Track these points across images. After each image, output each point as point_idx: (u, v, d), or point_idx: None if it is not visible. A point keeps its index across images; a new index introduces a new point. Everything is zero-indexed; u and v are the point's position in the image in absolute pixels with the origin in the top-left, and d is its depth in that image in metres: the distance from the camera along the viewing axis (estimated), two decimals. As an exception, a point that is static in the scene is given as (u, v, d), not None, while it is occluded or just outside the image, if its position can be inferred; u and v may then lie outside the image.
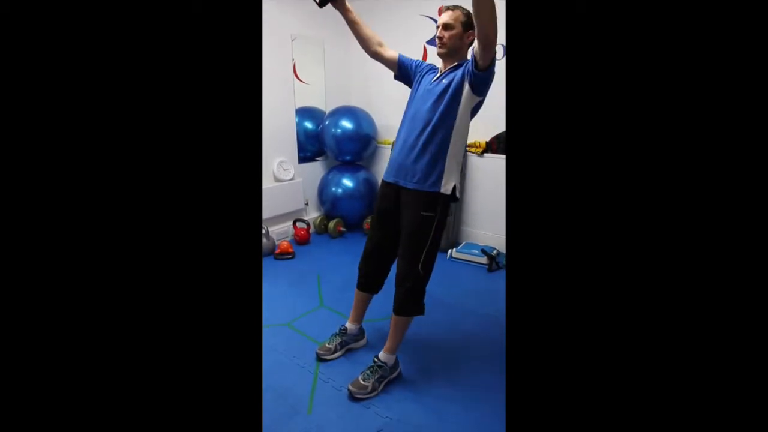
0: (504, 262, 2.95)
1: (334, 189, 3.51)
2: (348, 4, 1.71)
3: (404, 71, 1.77)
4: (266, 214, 3.18)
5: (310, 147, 3.67)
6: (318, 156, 3.82)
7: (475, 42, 1.39)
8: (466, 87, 1.52)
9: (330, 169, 3.66)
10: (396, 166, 1.66)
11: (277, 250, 3.08)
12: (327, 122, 3.50)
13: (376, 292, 1.90)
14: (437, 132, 1.56)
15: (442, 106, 1.55)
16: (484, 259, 2.95)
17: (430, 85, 1.62)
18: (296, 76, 3.45)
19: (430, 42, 3.32)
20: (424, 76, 1.69)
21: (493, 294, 2.55)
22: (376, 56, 1.79)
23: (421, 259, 1.61)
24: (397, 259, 1.70)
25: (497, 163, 3.06)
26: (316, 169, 3.75)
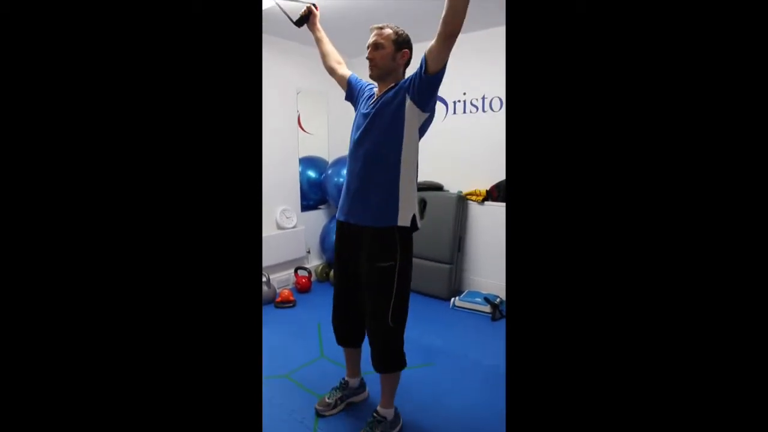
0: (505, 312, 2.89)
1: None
2: (318, 24, 1.78)
3: (351, 92, 1.71)
4: (268, 261, 3.18)
5: (312, 195, 3.72)
6: (320, 204, 3.86)
7: (432, 41, 1.28)
8: (408, 103, 1.39)
9: (332, 218, 3.68)
10: (347, 202, 1.54)
11: (278, 299, 3.05)
12: (330, 171, 3.57)
13: (359, 346, 1.80)
14: (383, 160, 1.44)
15: (383, 132, 1.44)
16: (487, 308, 2.90)
17: (367, 110, 1.51)
18: (300, 127, 3.56)
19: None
20: (364, 99, 1.59)
21: (497, 344, 2.49)
22: (331, 72, 1.79)
23: (390, 313, 1.49)
24: (366, 315, 1.58)
25: (498, 210, 3.08)
26: (318, 218, 3.78)
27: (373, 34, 1.50)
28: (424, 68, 1.33)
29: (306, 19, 1.77)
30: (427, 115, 1.44)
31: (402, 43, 1.49)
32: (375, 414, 1.66)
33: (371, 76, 1.54)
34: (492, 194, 3.11)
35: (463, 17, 1.20)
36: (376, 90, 1.57)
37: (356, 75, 1.76)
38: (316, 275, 3.61)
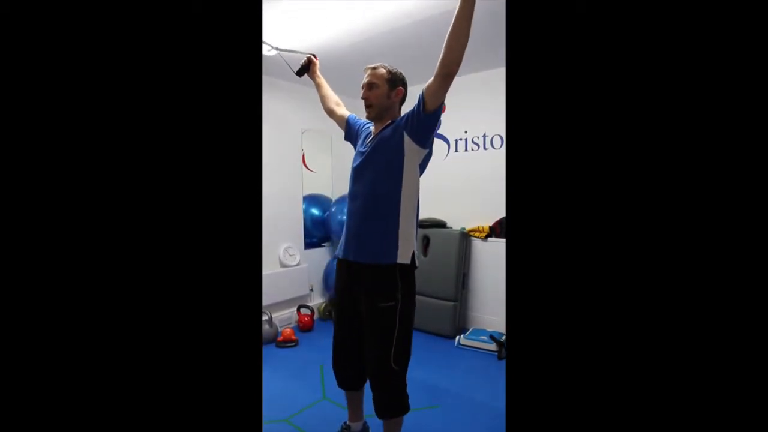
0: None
1: (339, 274, 3.49)
2: (318, 72, 1.89)
3: (350, 132, 1.73)
4: (270, 299, 3.15)
5: (316, 233, 3.73)
6: (324, 242, 3.86)
7: (430, 80, 1.29)
8: (407, 140, 1.39)
9: (335, 256, 3.67)
10: (346, 239, 1.53)
11: (280, 338, 2.99)
12: (333, 209, 3.59)
13: (360, 389, 1.72)
14: (382, 197, 1.43)
15: (381, 170, 1.44)
16: (493, 346, 2.84)
17: (364, 148, 1.52)
18: (305, 165, 3.61)
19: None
20: (362, 138, 1.60)
21: (504, 384, 2.41)
22: (330, 114, 1.85)
23: (392, 355, 1.44)
24: (366, 359, 1.52)
25: (502, 247, 3.07)
26: (321, 255, 3.77)
27: (367, 74, 1.52)
28: (422, 106, 1.34)
29: (306, 68, 1.89)
30: (426, 151, 1.44)
31: (396, 81, 1.51)
32: (379, 460, 1.58)
33: (368, 116, 1.55)
34: (495, 230, 3.11)
35: (461, 58, 1.23)
36: (372, 128, 1.57)
37: (354, 115, 1.78)
38: (319, 313, 3.56)
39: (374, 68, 1.51)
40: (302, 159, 3.56)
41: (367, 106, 1.52)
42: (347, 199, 1.58)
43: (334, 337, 1.67)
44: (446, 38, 1.22)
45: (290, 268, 3.36)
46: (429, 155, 1.47)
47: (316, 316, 3.51)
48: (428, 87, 1.31)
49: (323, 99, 1.88)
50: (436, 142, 3.45)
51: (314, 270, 3.63)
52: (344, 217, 3.42)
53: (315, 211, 3.70)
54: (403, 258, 1.43)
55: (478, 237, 3.19)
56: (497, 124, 3.08)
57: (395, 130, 1.44)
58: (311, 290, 3.60)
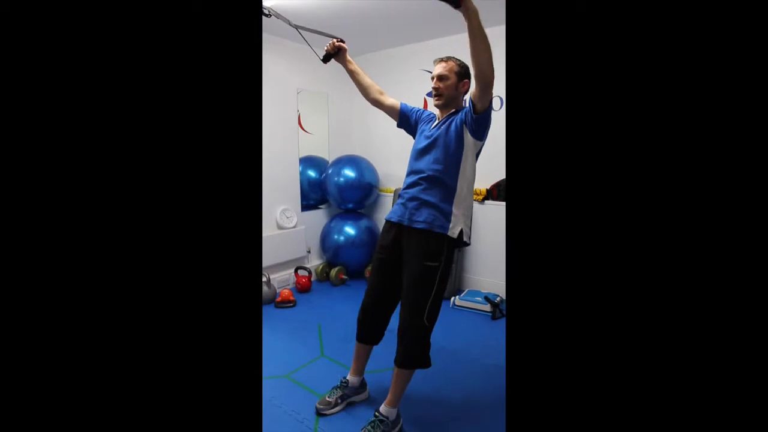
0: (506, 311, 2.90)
1: (336, 237, 3.52)
2: (348, 56, 1.80)
3: (405, 119, 1.82)
4: (268, 261, 3.18)
5: (313, 195, 3.72)
6: (321, 204, 3.86)
7: (472, 86, 1.44)
8: (467, 133, 1.55)
9: (332, 217, 3.69)
10: (402, 207, 1.66)
11: (278, 299, 3.05)
12: (330, 171, 3.57)
13: (377, 343, 1.84)
14: (443, 178, 1.58)
15: (444, 153, 1.57)
16: (487, 307, 2.91)
17: (430, 132, 1.65)
18: (301, 127, 3.56)
19: (430, 94, 3.43)
20: (424, 123, 1.73)
21: (497, 343, 2.49)
22: (377, 104, 1.85)
23: (426, 310, 1.58)
24: (399, 309, 1.66)
25: (498, 209, 3.08)
26: (318, 217, 3.78)
27: (438, 66, 1.64)
28: (473, 110, 1.50)
29: (333, 55, 1.78)
30: (482, 143, 1.61)
31: (463, 75, 1.64)
32: (377, 413, 1.66)
33: (436, 104, 1.68)
34: (492, 193, 3.11)
35: (491, 68, 1.37)
36: (437, 114, 1.71)
37: (406, 103, 1.84)
38: (317, 275, 3.61)
39: (446, 61, 1.64)
40: (298, 120, 3.50)
41: (437, 96, 1.64)
42: (407, 174, 1.71)
43: (368, 292, 1.78)
44: (471, 56, 1.37)
45: (287, 230, 3.37)
46: (483, 145, 1.64)
47: (313, 278, 3.56)
48: (473, 94, 1.48)
49: (364, 89, 1.86)
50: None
51: (311, 232, 3.65)
52: (341, 179, 3.44)
53: (312, 173, 3.68)
54: (452, 232, 1.57)
55: (475, 200, 3.19)
56: (497, 85, 3.02)
57: (459, 121, 1.58)
58: (308, 252, 3.63)
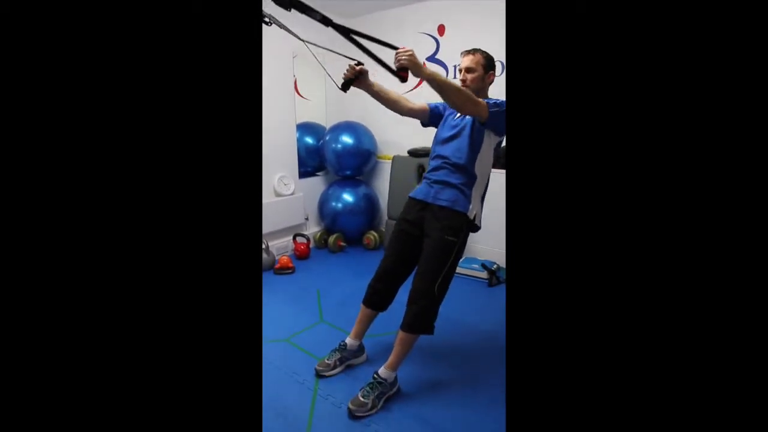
0: (504, 277, 2.94)
1: (334, 204, 3.52)
2: (370, 79, 1.72)
3: (435, 117, 1.87)
4: (266, 228, 3.19)
5: (310, 162, 3.70)
6: (318, 171, 3.84)
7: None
8: (487, 131, 1.65)
9: (330, 184, 3.67)
10: (427, 186, 1.76)
11: (277, 265, 3.08)
12: (328, 137, 3.53)
13: (384, 310, 1.90)
14: (464, 165, 1.67)
15: (467, 143, 1.67)
16: (484, 274, 2.94)
17: (454, 121, 1.75)
18: (297, 93, 3.49)
19: (430, 59, 3.36)
20: (450, 111, 1.81)
21: (493, 309, 2.54)
22: (411, 113, 1.87)
23: (438, 281, 1.66)
24: (414, 277, 1.73)
25: (497, 178, 3.07)
26: (316, 184, 3.76)
27: (466, 58, 1.72)
28: (478, 121, 1.63)
29: (353, 80, 1.65)
30: (500, 139, 1.72)
31: (489, 66, 1.73)
32: (375, 375, 1.71)
33: None
34: (491, 161, 3.09)
35: (469, 107, 1.53)
36: None
37: (434, 102, 1.85)
38: (315, 242, 3.63)
39: (473, 53, 1.71)
40: (294, 85, 3.43)
41: (464, 87, 1.67)
42: (432, 157, 1.81)
43: (386, 259, 1.85)
44: (450, 105, 1.57)
45: (285, 197, 3.37)
46: (502, 141, 1.74)
47: (311, 245, 3.58)
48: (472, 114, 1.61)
49: (393, 104, 1.82)
50: (435, 68, 3.34)
51: (309, 199, 3.64)
52: (339, 146, 3.41)
53: (309, 140, 3.64)
54: (470, 214, 1.69)
55: (473, 167, 3.18)
56: (497, 49, 2.95)
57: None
58: (306, 219, 3.64)
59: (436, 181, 1.73)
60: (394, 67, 1.48)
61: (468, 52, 1.73)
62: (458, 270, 3.02)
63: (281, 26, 1.48)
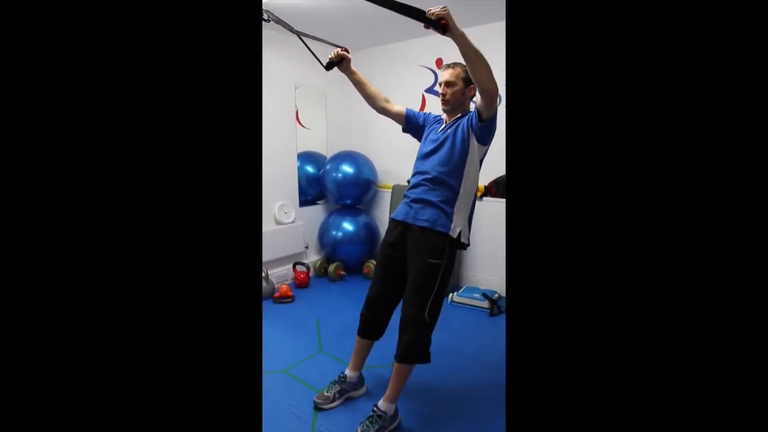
0: (505, 307, 2.91)
1: (334, 232, 3.52)
2: (353, 66, 1.79)
3: (412, 124, 1.85)
4: (266, 256, 3.18)
5: (311, 191, 3.72)
6: (319, 200, 3.86)
7: (478, 97, 1.49)
8: (473, 139, 1.59)
9: (330, 213, 3.68)
10: (407, 206, 1.71)
11: (277, 294, 3.05)
12: (328, 167, 3.56)
13: (378, 339, 1.86)
14: (447, 180, 1.62)
15: (449, 156, 1.61)
16: (485, 303, 2.91)
17: (436, 135, 1.69)
18: (299, 122, 3.55)
19: (429, 90, 3.43)
20: (431, 126, 1.77)
21: (495, 339, 2.50)
22: (384, 112, 1.87)
23: (428, 307, 1.60)
24: (402, 305, 1.68)
25: (497, 206, 3.09)
26: (316, 213, 3.77)
27: (446, 72, 1.67)
28: (478, 118, 1.54)
29: (337, 63, 1.75)
30: (486, 148, 1.64)
31: (470, 80, 1.63)
32: (375, 408, 1.66)
33: (444, 110, 1.72)
34: (491, 190, 3.11)
35: (494, 84, 1.42)
36: (444, 118, 1.75)
37: (412, 109, 1.87)
38: (315, 270, 3.61)
39: (453, 67, 1.67)
40: (296, 115, 3.49)
41: (444, 102, 1.68)
42: (413, 175, 1.75)
43: (373, 286, 1.80)
44: (470, 74, 1.44)
45: (285, 226, 3.37)
46: (487, 150, 1.67)
47: (311, 273, 3.56)
48: (479, 105, 1.52)
49: (371, 98, 1.86)
50: (433, 99, 3.40)
51: (309, 227, 3.64)
52: (339, 175, 3.43)
53: (309, 169, 3.67)
54: (453, 233, 1.61)
55: (473, 196, 3.19)
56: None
57: (465, 125, 1.61)
58: (306, 248, 3.63)
59: (415, 200, 1.68)
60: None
61: (448, 66, 1.69)
62: (459, 299, 3.01)
63: (278, 21, 1.61)
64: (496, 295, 2.97)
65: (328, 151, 3.84)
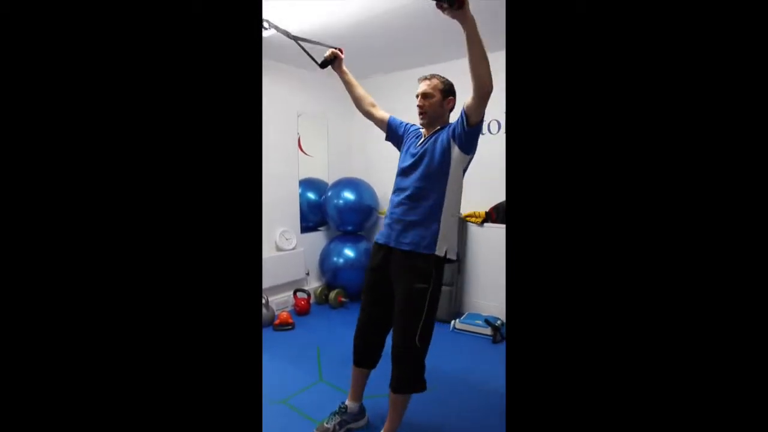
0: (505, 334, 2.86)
1: (335, 259, 3.51)
2: (345, 67, 1.83)
3: (393, 133, 1.81)
4: (267, 283, 3.16)
5: (312, 217, 3.72)
6: (320, 226, 3.86)
7: (468, 98, 1.42)
8: (455, 149, 1.53)
9: (332, 240, 3.68)
10: (389, 228, 1.65)
11: (277, 321, 3.02)
12: (329, 193, 3.58)
13: (374, 367, 1.82)
14: (428, 195, 1.55)
15: (430, 171, 1.55)
16: (488, 330, 2.88)
17: (415, 149, 1.63)
18: (301, 149, 3.59)
19: (429, 118, 3.46)
20: (410, 140, 1.71)
21: (498, 367, 2.45)
22: (368, 115, 1.86)
23: (418, 332, 1.55)
24: (392, 332, 1.62)
25: (497, 232, 3.09)
26: (317, 239, 3.77)
27: (423, 84, 1.62)
28: (465, 122, 1.47)
29: (331, 62, 1.80)
30: (469, 157, 1.57)
31: (448, 92, 1.63)
32: (375, 441, 1.62)
33: (421, 123, 1.66)
34: (491, 216, 3.12)
35: (490, 80, 1.35)
36: (423, 131, 1.68)
37: (394, 116, 1.83)
38: (315, 297, 3.58)
39: (429, 79, 1.63)
40: (298, 143, 3.53)
41: (422, 114, 1.63)
42: (393, 192, 1.69)
43: (362, 315, 1.76)
44: (469, 66, 1.34)
45: (286, 252, 3.36)
46: (471, 160, 1.60)
47: (312, 300, 3.53)
48: (469, 106, 1.44)
49: (358, 100, 1.86)
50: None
51: (310, 254, 3.64)
52: (341, 202, 3.45)
53: (311, 195, 3.69)
54: (439, 251, 1.55)
55: (474, 222, 3.20)
56: (495, 110, 3.06)
57: (445, 137, 1.56)
58: (307, 274, 3.61)
59: (396, 221, 1.61)
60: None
61: (425, 78, 1.63)
62: (461, 326, 2.97)
63: (277, 29, 1.70)
64: (499, 322, 2.93)
65: (329, 178, 3.87)
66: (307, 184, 3.68)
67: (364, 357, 1.79)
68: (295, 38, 1.77)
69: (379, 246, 1.69)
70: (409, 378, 1.59)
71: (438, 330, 2.94)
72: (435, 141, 1.58)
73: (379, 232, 1.71)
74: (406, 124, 1.80)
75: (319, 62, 1.81)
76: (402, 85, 3.59)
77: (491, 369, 2.44)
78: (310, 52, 1.83)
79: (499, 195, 3.07)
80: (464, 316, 3.09)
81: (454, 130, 1.53)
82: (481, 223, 3.17)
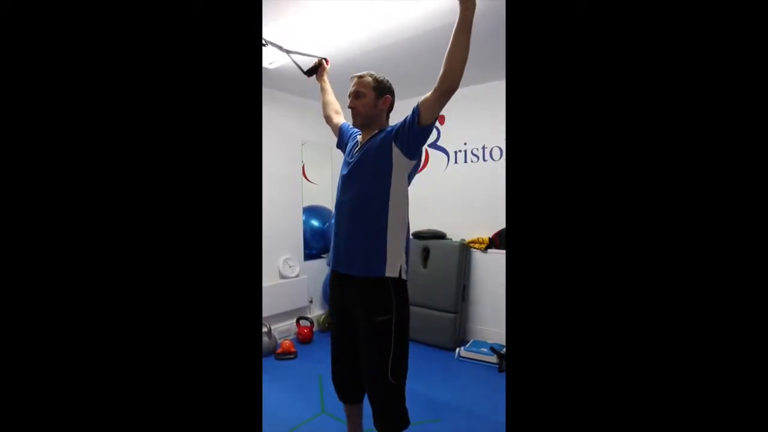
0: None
1: (338, 286, 3.48)
2: (326, 76, 1.88)
3: (341, 140, 1.71)
4: (270, 311, 3.14)
5: (315, 244, 3.72)
6: (323, 253, 3.85)
7: (428, 92, 1.28)
8: (395, 151, 1.36)
9: (327, 264, 3.66)
10: (335, 251, 1.51)
11: (279, 350, 2.97)
12: (333, 220, 3.59)
13: (361, 402, 1.65)
14: (369, 208, 1.40)
15: (368, 180, 1.41)
16: (494, 358, 2.82)
17: (351, 158, 1.49)
18: (305, 177, 3.62)
19: (432, 145, 3.50)
20: (349, 146, 1.57)
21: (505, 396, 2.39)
22: (327, 120, 1.82)
23: (389, 368, 1.39)
24: (363, 370, 1.47)
25: (502, 258, 3.07)
26: (321, 267, 3.76)
27: (354, 83, 1.49)
28: (416, 119, 1.31)
29: (316, 70, 1.90)
30: (414, 162, 1.42)
31: (383, 90, 1.48)
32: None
33: (354, 124, 1.54)
34: (495, 242, 3.11)
35: (461, 74, 1.22)
36: (359, 137, 1.54)
37: (348, 123, 1.72)
38: (319, 325, 3.54)
39: (361, 77, 1.49)
40: (302, 170, 3.57)
41: (354, 115, 1.50)
42: (335, 205, 1.54)
43: (332, 350, 1.64)
44: (446, 53, 1.21)
45: (289, 280, 3.35)
46: (417, 166, 1.45)
47: (315, 328, 3.49)
48: (425, 100, 1.29)
49: (325, 104, 1.85)
50: (436, 153, 3.48)
51: (313, 281, 3.62)
52: (344, 229, 3.43)
53: (315, 223, 3.70)
54: (391, 271, 1.39)
55: (477, 248, 3.18)
56: (496, 136, 3.10)
57: (383, 140, 1.41)
58: (311, 302, 3.58)
59: (341, 239, 1.46)
60: None
61: (356, 76, 1.49)
62: (466, 354, 2.92)
63: (272, 44, 1.84)
64: (504, 349, 2.88)
65: (333, 205, 3.88)
66: (310, 211, 3.69)
67: (347, 392, 1.63)
68: (287, 51, 1.90)
69: (334, 274, 1.55)
70: (388, 417, 1.45)
71: (443, 358, 2.93)
72: (372, 146, 1.43)
73: (329, 255, 1.57)
74: (353, 130, 1.64)
75: (305, 70, 1.91)
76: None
77: (498, 398, 2.38)
78: (300, 65, 1.92)
79: (502, 221, 3.06)
80: (469, 343, 3.04)
81: (397, 131, 1.37)
82: (485, 249, 3.15)
